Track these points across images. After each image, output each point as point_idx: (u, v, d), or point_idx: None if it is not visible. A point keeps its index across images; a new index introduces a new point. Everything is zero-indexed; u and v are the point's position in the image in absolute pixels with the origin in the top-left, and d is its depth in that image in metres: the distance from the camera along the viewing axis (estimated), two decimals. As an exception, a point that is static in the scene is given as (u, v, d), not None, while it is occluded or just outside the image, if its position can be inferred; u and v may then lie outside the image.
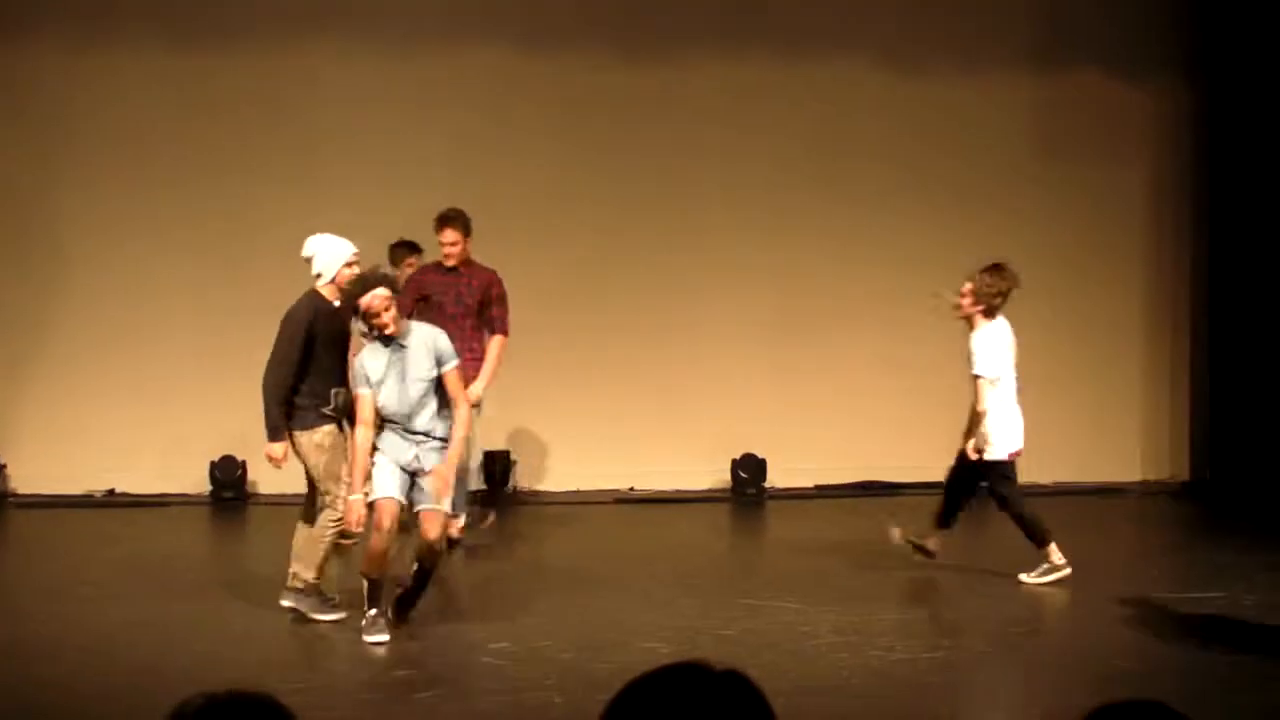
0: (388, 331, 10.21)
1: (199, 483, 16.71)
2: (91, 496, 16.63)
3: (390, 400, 10.25)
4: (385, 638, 10.14)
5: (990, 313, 12.64)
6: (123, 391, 16.64)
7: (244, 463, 16.68)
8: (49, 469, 16.53)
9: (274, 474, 16.63)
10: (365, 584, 10.29)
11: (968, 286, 12.67)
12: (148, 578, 12.63)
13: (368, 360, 10.31)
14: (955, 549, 14.78)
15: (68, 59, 16.65)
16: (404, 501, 10.31)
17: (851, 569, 13.15)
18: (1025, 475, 17.42)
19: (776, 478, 17.36)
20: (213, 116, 16.82)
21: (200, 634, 10.51)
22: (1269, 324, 17.18)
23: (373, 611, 10.25)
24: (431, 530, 10.22)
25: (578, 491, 16.96)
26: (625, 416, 17.10)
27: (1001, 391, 12.52)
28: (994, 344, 12.53)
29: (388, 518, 10.16)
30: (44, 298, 16.65)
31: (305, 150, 16.87)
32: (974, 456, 12.49)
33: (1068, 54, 17.97)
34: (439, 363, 10.28)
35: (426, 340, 10.34)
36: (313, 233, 16.55)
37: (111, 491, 16.75)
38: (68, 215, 16.69)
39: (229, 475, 16.68)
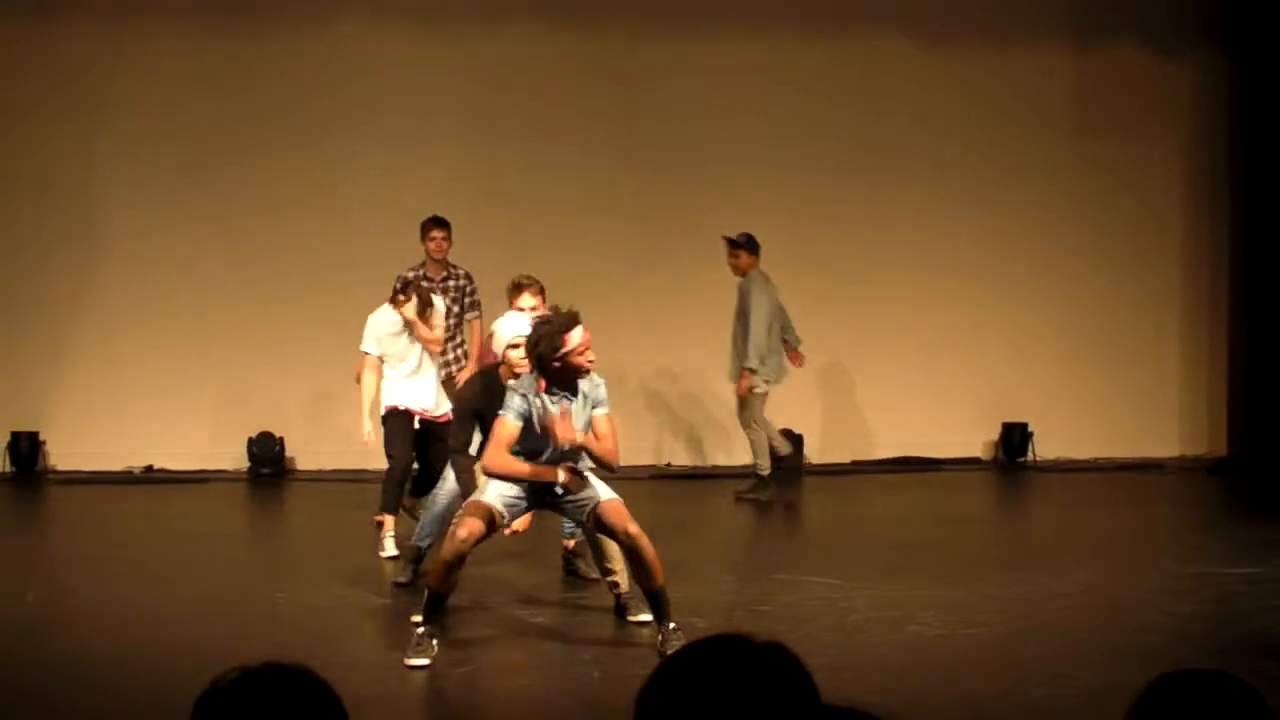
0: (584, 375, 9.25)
1: (237, 459, 16.77)
2: (130, 473, 16.69)
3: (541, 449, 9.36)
4: (425, 663, 9.05)
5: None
6: (161, 369, 16.72)
7: (281, 439, 16.74)
8: (88, 446, 16.62)
9: (312, 451, 16.82)
10: (426, 594, 9.32)
11: None
12: (186, 554, 12.71)
13: (531, 397, 9.27)
14: (989, 524, 14.77)
15: (104, 41, 16.73)
16: (503, 515, 9.29)
17: (889, 544, 13.15)
18: (1064, 450, 17.49)
19: (814, 453, 17.34)
20: (250, 97, 16.91)
21: (239, 609, 10.50)
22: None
23: (420, 630, 9.19)
24: (617, 521, 9.33)
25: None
26: (659, 393, 17.10)
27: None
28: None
29: (469, 526, 9.13)
30: (83, 276, 16.71)
31: (343, 129, 16.92)
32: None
33: (1103, 27, 17.92)
34: (594, 408, 9.36)
35: (588, 389, 9.34)
36: (347, 212, 16.72)
37: (150, 468, 16.81)
38: (106, 195, 16.75)
39: (267, 452, 16.72)
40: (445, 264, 13.62)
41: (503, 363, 10.08)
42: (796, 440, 17.20)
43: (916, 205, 17.60)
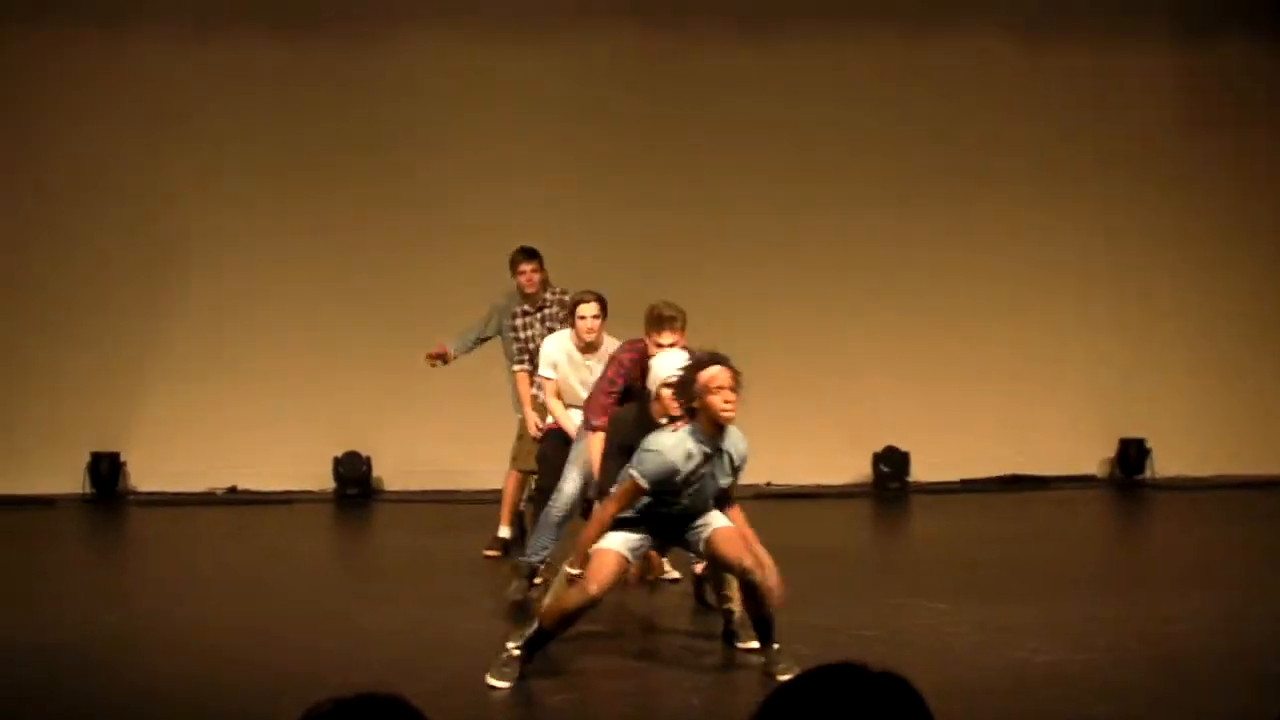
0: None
1: (322, 479, 16.67)
2: (213, 494, 16.67)
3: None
4: (505, 685, 8.87)
5: None
6: (244, 388, 16.66)
7: (368, 459, 16.70)
8: (169, 466, 16.60)
9: (399, 471, 16.65)
10: (536, 627, 9.10)
11: None
12: (271, 576, 12.71)
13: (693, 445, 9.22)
14: (1104, 545, 14.42)
15: (182, 56, 16.74)
16: (628, 562, 9.10)
17: (997, 566, 12.95)
18: (1183, 467, 17.08)
19: (920, 471, 17.08)
20: (328, 113, 16.89)
21: (325, 633, 10.40)
22: None
23: (517, 652, 9.00)
24: (731, 553, 9.16)
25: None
26: (763, 409, 16.68)
27: None
28: None
29: (599, 580, 8.91)
30: (163, 294, 16.71)
31: (430, 149, 16.88)
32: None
33: (1211, 20, 17.70)
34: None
35: (733, 451, 9.51)
36: (438, 232, 16.53)
37: (233, 489, 16.75)
38: (187, 211, 16.75)
39: (353, 472, 16.65)
40: (539, 295, 13.04)
41: (656, 399, 9.90)
42: (901, 458, 16.87)
43: (1025, 213, 17.41)
